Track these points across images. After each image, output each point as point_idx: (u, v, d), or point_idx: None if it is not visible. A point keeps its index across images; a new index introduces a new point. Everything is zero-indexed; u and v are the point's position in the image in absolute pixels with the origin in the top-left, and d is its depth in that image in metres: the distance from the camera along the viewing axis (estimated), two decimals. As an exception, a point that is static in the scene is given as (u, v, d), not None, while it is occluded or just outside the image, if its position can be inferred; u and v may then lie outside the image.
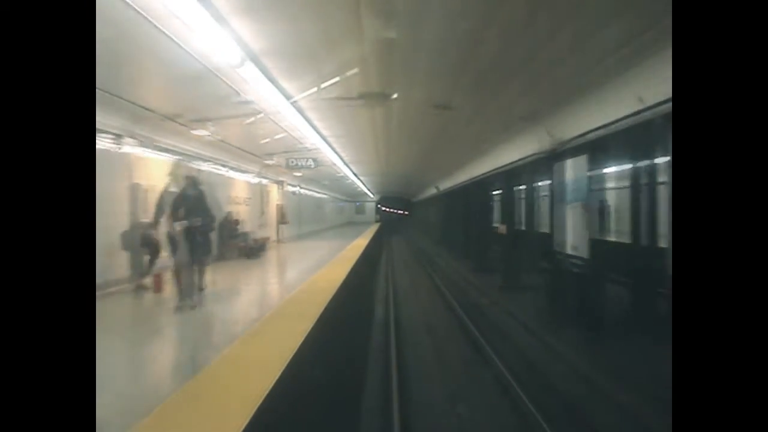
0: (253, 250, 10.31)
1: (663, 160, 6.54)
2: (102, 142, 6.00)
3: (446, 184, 19.10)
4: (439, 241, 23.44)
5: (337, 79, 5.56)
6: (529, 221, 10.39)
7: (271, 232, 14.51)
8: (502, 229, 10.31)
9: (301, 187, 19.63)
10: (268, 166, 12.70)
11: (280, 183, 15.81)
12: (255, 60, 4.89)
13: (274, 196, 15.47)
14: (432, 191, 23.67)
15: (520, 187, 11.01)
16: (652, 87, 4.44)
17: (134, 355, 3.73)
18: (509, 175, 9.59)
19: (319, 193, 24.96)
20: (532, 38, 4.39)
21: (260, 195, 13.64)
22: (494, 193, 14.47)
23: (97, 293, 5.71)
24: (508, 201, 10.46)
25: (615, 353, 5.49)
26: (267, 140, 9.42)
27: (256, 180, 13.08)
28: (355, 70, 5.44)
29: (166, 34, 4.03)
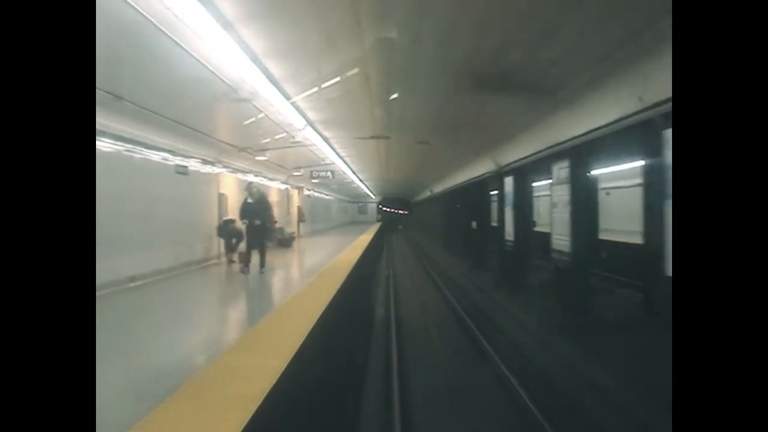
0: (287, 241, 13.63)
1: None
2: (204, 167, 9.30)
3: (438, 188, 22.40)
4: (433, 237, 26.72)
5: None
6: (492, 219, 13.70)
7: (294, 229, 17.82)
8: (475, 225, 13.65)
9: (314, 191, 22.94)
10: (294, 176, 16.02)
11: (299, 188, 19.13)
12: (310, 122, 8.23)
13: (295, 199, 18.80)
14: (427, 194, 26.98)
15: (490, 194, 14.32)
16: (553, 134, 7.46)
17: (247, 292, 7.02)
18: (478, 185, 12.90)
19: (327, 195, 28.27)
20: (479, 105, 7.41)
21: (286, 198, 16.97)
22: (470, 197, 17.76)
23: (202, 265, 9.03)
24: (480, 203, 13.76)
25: (521, 297, 8.84)
26: (297, 157, 12.76)
27: (283, 186, 16.39)
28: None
29: (255, 106, 7.32)
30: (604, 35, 4.37)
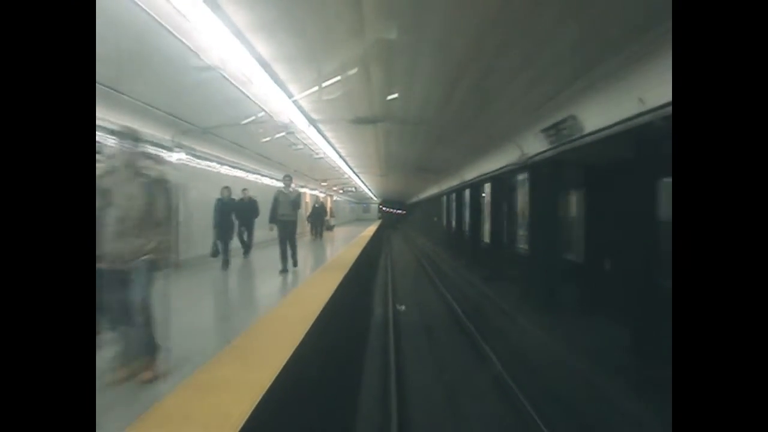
0: (330, 228, 23.72)
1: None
2: (306, 189, 19.36)
3: (422, 196, 32.58)
4: (418, 228, 36.91)
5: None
6: (442, 217, 23.86)
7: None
8: (436, 220, 23.87)
9: (336, 197, 33.10)
10: (331, 188, 26.22)
11: (330, 195, 29.31)
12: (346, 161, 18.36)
13: (328, 202, 28.96)
14: (415, 198, 37.14)
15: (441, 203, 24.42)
16: (496, 160, 17.59)
17: (325, 242, 17.09)
18: (437, 197, 23.03)
19: (342, 198, 38.40)
20: (444, 144, 17.53)
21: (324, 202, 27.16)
22: (433, 204, 27.95)
23: (303, 235, 19.12)
24: (438, 208, 23.84)
25: (450, 250, 18.86)
26: (337, 179, 22.91)
27: (323, 194, 26.49)
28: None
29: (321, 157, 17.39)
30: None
